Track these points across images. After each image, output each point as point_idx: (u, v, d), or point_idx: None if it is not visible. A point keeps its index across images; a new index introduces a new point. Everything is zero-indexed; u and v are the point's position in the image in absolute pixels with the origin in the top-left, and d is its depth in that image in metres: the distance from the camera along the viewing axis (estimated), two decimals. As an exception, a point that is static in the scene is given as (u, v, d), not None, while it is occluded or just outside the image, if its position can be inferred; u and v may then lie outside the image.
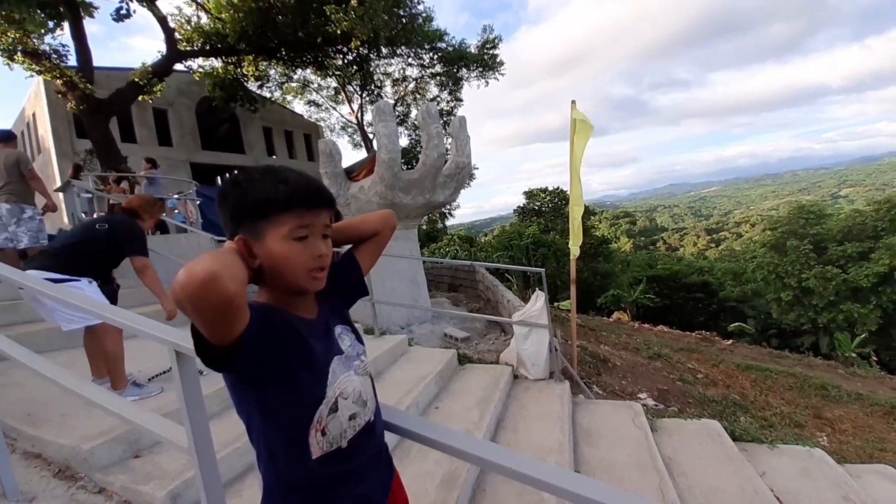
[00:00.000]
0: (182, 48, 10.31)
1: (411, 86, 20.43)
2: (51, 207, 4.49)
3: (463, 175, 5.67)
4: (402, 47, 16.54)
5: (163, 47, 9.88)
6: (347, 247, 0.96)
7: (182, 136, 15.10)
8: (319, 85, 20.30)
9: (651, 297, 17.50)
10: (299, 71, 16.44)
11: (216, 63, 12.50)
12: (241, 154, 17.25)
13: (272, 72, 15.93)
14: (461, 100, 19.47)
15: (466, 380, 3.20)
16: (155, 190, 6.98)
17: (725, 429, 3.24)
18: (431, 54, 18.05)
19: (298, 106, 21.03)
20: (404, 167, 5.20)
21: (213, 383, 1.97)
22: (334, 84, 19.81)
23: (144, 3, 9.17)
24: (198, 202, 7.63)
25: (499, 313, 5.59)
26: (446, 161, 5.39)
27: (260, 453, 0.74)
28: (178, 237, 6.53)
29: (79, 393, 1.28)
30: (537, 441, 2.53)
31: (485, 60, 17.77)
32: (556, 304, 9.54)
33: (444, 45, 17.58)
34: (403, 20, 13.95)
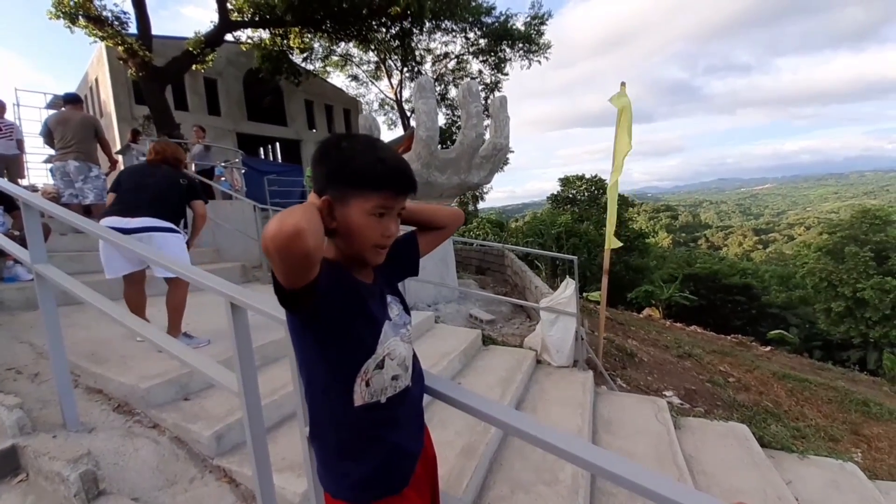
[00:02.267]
0: (233, 18, 10.55)
1: (452, 63, 20.04)
2: (115, 169, 4.84)
3: (500, 157, 5.59)
4: (446, 21, 16.18)
5: (215, 17, 10.17)
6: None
7: (229, 106, 15.63)
8: (361, 59, 20.33)
9: (686, 295, 16.79)
10: (342, 44, 16.50)
11: (264, 35, 12.74)
12: (284, 126, 17.67)
13: (316, 45, 16.07)
14: (506, 74, 18.83)
15: (489, 360, 3.26)
16: (206, 157, 7.33)
17: (754, 434, 3.15)
18: (476, 29, 17.54)
19: (339, 80, 21.22)
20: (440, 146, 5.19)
21: (256, 339, 2.12)
22: (375, 58, 19.77)
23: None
24: (243, 171, 7.96)
25: (526, 298, 5.58)
26: (483, 142, 5.32)
27: (309, 390, 0.83)
28: (223, 203, 6.88)
29: (149, 337, 1.41)
30: (555, 424, 2.56)
31: (531, 39, 17.07)
32: (584, 294, 9.34)
33: (490, 19, 17.00)
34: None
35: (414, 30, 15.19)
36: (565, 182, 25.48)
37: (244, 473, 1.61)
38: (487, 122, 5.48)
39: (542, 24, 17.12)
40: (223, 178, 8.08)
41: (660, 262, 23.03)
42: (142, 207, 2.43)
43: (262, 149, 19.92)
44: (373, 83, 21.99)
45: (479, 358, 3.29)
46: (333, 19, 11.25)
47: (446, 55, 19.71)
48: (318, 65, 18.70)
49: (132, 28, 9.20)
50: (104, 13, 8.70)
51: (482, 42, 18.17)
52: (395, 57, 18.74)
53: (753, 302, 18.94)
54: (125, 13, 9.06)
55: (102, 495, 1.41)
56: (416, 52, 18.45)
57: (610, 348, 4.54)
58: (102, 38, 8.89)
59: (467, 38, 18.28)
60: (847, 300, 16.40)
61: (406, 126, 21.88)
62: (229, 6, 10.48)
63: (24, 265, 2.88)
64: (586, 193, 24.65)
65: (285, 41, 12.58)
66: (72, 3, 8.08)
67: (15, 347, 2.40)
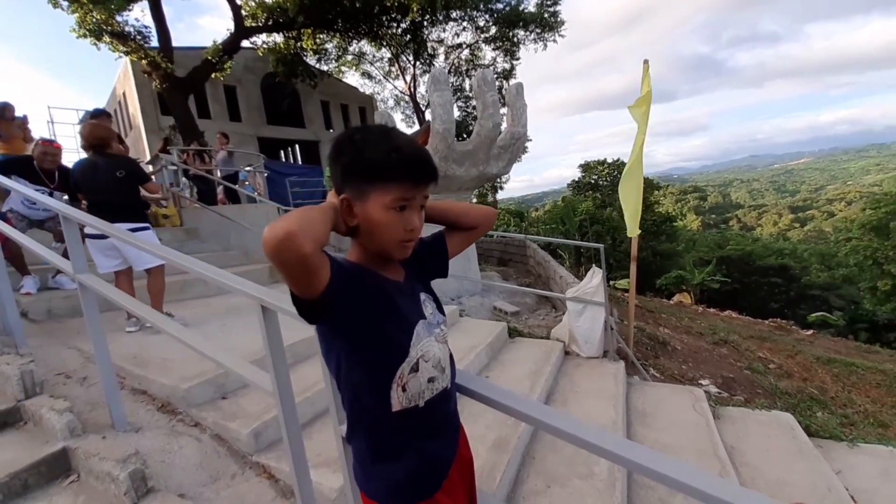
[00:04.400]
0: (248, 24, 10.75)
1: (465, 52, 19.81)
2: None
3: (518, 146, 5.48)
4: (457, 10, 15.98)
5: (230, 25, 10.39)
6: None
7: (249, 112, 16.02)
8: (374, 56, 20.37)
9: (719, 278, 16.15)
10: (355, 43, 16.54)
11: (278, 38, 12.93)
12: (302, 128, 17.99)
13: (329, 45, 16.19)
14: (518, 59, 18.47)
15: (516, 352, 3.22)
16: (230, 163, 7.54)
17: (799, 423, 3.00)
18: (487, 16, 17.25)
19: (353, 79, 21.34)
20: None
21: (286, 338, 2.17)
22: (388, 55, 19.76)
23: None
24: (265, 174, 8.15)
25: (550, 289, 5.49)
26: (501, 131, 5.23)
27: (345, 397, 0.80)
28: (248, 207, 7.06)
29: (188, 343, 1.46)
30: (588, 417, 2.51)
31: (544, 19, 16.64)
32: (611, 283, 9.11)
33: (500, 5, 16.67)
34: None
35: (425, 23, 15.07)
36: (586, 168, 24.87)
37: (282, 469, 1.65)
38: (503, 110, 5.37)
39: (556, 3, 16.64)
40: (247, 183, 8.30)
41: (689, 246, 22.25)
42: (112, 215, 2.62)
43: (282, 151, 20.34)
44: (387, 80, 22.01)
45: (506, 351, 3.26)
46: (345, 18, 11.30)
47: (458, 46, 19.49)
48: (332, 65, 18.85)
49: (153, 41, 9.52)
50: (126, 28, 9.03)
51: (493, 29, 17.87)
52: (408, 52, 18.66)
53: (792, 283, 18.06)
54: (146, 27, 9.39)
55: (151, 493, 1.47)
56: (428, 45, 18.33)
57: (641, 337, 4.41)
58: (126, 53, 9.24)
59: (478, 27, 18.00)
60: (894, 278, 15.39)
61: (421, 121, 21.83)
62: (243, 13, 10.68)
63: (67, 275, 3.05)
64: (608, 178, 23.99)
65: (299, 43, 12.74)
66: (94, 20, 8.41)
67: (63, 353, 2.54)
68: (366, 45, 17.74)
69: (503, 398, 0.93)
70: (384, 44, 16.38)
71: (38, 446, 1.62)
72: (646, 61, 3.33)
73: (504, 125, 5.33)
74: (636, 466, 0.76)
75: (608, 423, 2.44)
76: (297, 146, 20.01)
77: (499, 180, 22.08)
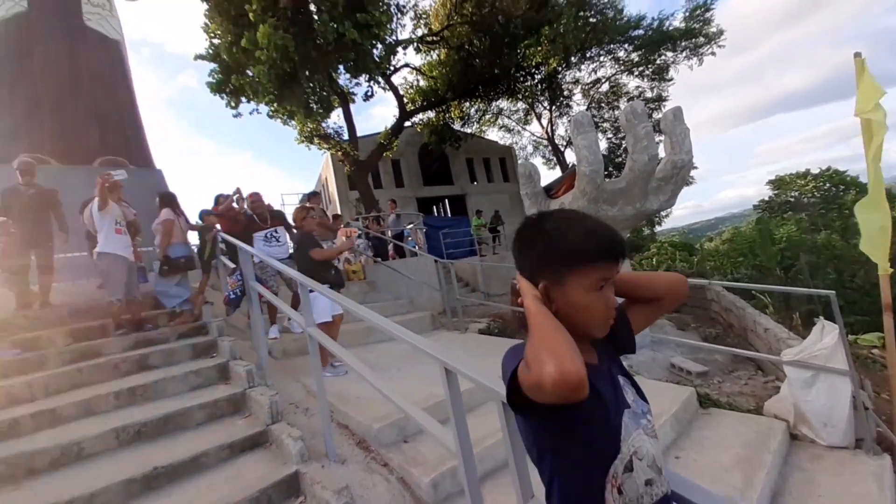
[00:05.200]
0: (409, 109, 12.94)
1: (604, 86, 19.19)
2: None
3: (682, 175, 4.85)
4: (593, 48, 15.82)
5: (395, 111, 12.71)
6: None
7: (409, 178, 18.86)
8: (510, 110, 21.64)
9: None
10: (493, 103, 17.97)
11: (431, 114, 15.10)
12: (451, 185, 20.11)
13: (472, 110, 18.00)
14: (670, 80, 16.84)
15: (714, 428, 2.63)
16: (398, 224, 8.89)
17: None
18: (626, 46, 16.52)
19: (492, 134, 22.95)
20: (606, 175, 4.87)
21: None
22: (523, 105, 20.71)
23: (385, 86, 12.09)
24: (424, 230, 9.26)
25: (750, 344, 4.41)
26: (658, 162, 4.75)
27: (552, 492, 0.74)
28: (411, 260, 8.09)
29: (382, 390, 1.71)
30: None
31: (695, 33, 14.95)
32: (852, 337, 6.54)
33: (640, 31, 15.80)
34: (592, 21, 13.39)
35: (559, 69, 15.38)
36: (779, 183, 20.10)
37: (459, 525, 1.70)
38: (659, 137, 4.89)
39: (707, 11, 14.84)
40: (410, 238, 9.57)
41: None
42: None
43: (434, 206, 22.91)
44: (523, 129, 22.90)
45: (700, 426, 2.69)
46: (485, 84, 12.48)
47: (597, 81, 19.05)
48: (475, 126, 20.80)
49: (345, 136, 12.34)
50: (328, 130, 12.00)
51: (635, 56, 16.90)
52: (543, 98, 19.19)
53: None
54: (340, 127, 12.29)
55: (355, 524, 1.70)
56: (563, 88, 18.49)
57: (916, 416, 3.07)
58: (328, 149, 12.19)
59: (617, 59, 17.33)
60: None
61: (561, 162, 21.64)
62: (405, 100, 12.93)
63: (299, 325, 3.99)
64: (816, 193, 18.74)
65: (447, 115, 14.58)
66: (308, 129, 11.46)
67: (292, 386, 3.26)
68: (503, 102, 19.06)
69: None
70: (520, 97, 17.29)
71: (278, 467, 2.07)
72: (857, 55, 2.59)
73: (662, 154, 4.84)
74: None
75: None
76: (446, 200, 22.26)
77: (658, 214, 19.69)
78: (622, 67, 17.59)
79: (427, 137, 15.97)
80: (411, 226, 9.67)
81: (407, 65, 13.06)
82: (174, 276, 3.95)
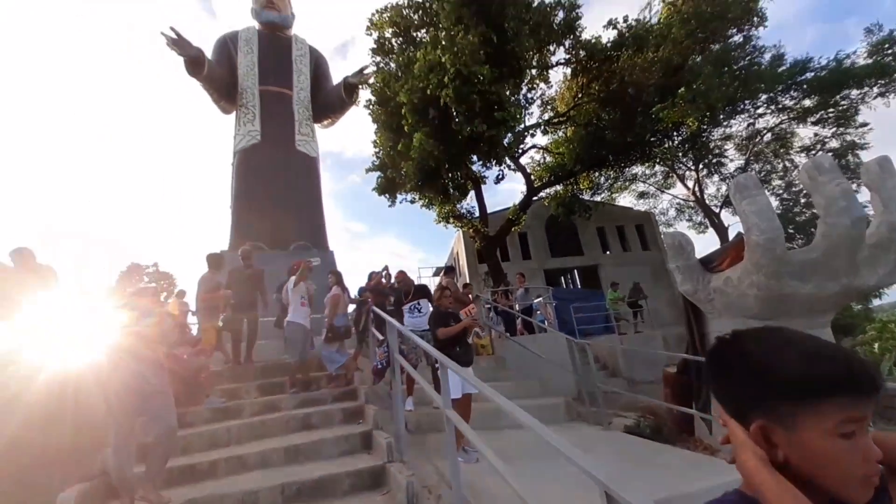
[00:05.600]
0: (536, 185, 13.37)
1: (767, 137, 16.65)
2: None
3: (912, 240, 3.66)
4: (745, 102, 14.19)
5: (523, 188, 13.25)
6: None
7: (536, 250, 18.76)
8: (646, 175, 20.30)
9: None
10: (626, 170, 17.24)
11: (558, 187, 15.26)
12: (580, 255, 19.18)
13: (601, 178, 17.54)
14: (864, 125, 13.72)
15: None
16: (526, 298, 8.76)
17: None
18: (792, 92, 14.33)
19: (626, 199, 21.62)
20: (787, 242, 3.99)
21: None
22: (661, 168, 19.24)
23: (514, 168, 12.97)
24: (553, 304, 8.87)
25: None
26: (867, 225, 3.71)
27: None
28: (540, 336, 7.70)
29: (520, 494, 1.58)
30: None
31: (887, 70, 12.21)
32: None
33: (809, 73, 13.65)
34: (740, 74, 12.18)
35: (703, 127, 14.11)
36: None
37: None
38: (860, 196, 3.87)
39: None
40: (538, 312, 9.23)
41: None
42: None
43: (562, 277, 21.97)
44: (663, 192, 21.04)
45: None
46: (616, 153, 12.17)
47: (756, 133, 16.71)
48: (605, 194, 20.00)
49: (475, 213, 13.29)
50: (462, 211, 13.15)
51: (807, 101, 14.43)
52: (685, 159, 17.57)
53: None
54: (472, 206, 13.35)
55: None
56: (711, 146, 16.68)
57: None
58: (461, 227, 13.22)
59: (781, 108, 15.07)
60: None
61: (716, 224, 18.83)
62: (532, 177, 13.44)
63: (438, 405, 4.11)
64: None
65: (575, 186, 14.50)
66: (445, 210, 12.75)
67: (426, 467, 3.23)
68: (636, 168, 18.11)
69: None
70: (658, 161, 16.21)
71: (413, 555, 2.01)
72: None
73: (871, 216, 3.79)
74: None
75: None
76: (575, 272, 21.16)
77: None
78: (791, 115, 15.18)
79: (554, 210, 16.00)
80: (539, 299, 9.39)
81: (534, 146, 13.82)
82: (336, 342, 4.59)
